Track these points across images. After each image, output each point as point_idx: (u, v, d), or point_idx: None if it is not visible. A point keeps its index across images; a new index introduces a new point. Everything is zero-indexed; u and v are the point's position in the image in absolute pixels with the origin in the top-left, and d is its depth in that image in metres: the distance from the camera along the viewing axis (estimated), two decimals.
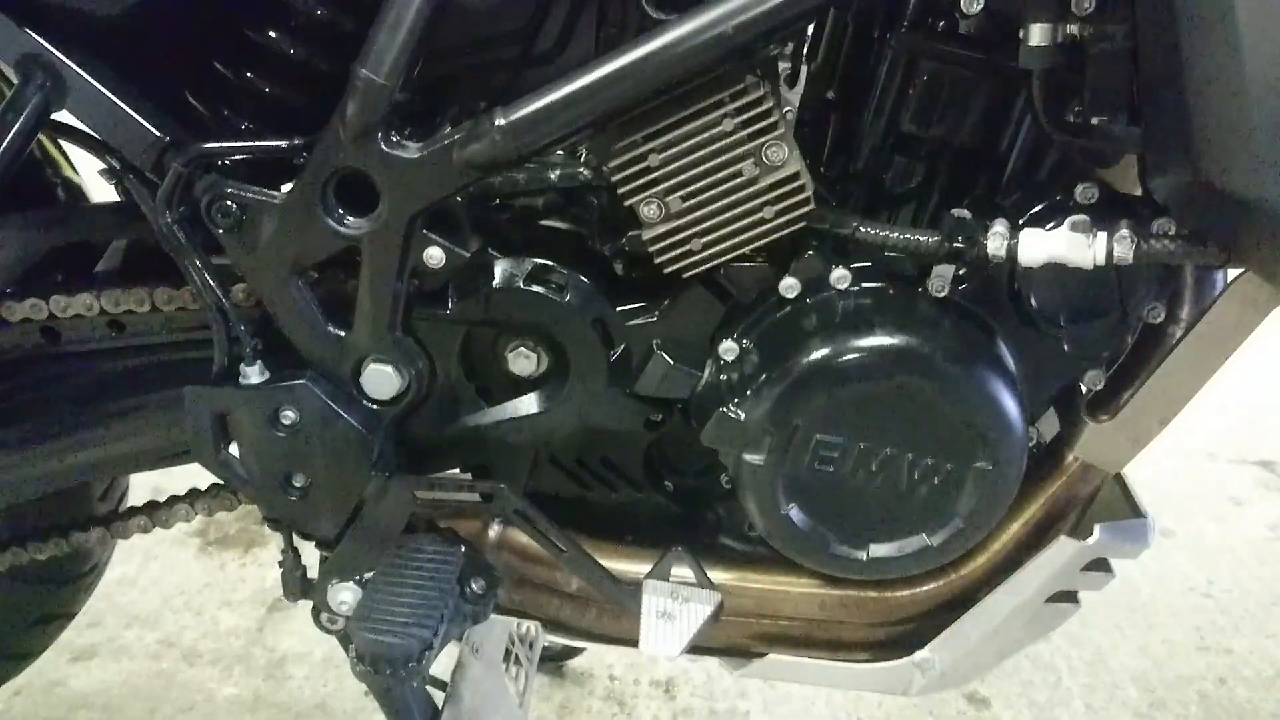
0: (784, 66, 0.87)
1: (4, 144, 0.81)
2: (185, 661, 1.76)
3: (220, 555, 2.01)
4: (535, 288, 0.87)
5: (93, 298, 0.94)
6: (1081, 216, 0.74)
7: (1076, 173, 0.79)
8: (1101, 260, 0.73)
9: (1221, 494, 2.28)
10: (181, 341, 0.94)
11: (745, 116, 0.77)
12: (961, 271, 0.81)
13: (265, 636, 1.80)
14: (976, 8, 0.71)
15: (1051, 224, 0.78)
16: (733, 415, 0.82)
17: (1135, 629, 1.84)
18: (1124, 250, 0.72)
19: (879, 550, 0.85)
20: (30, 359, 0.97)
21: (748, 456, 0.83)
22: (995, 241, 0.76)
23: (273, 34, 0.88)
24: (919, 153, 0.84)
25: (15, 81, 0.82)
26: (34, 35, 0.80)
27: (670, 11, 0.80)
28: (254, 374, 0.88)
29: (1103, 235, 0.73)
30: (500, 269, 0.88)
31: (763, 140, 0.78)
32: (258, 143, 0.83)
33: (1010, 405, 0.80)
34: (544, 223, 0.95)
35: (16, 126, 0.82)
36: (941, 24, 0.78)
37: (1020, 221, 0.79)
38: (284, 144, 0.84)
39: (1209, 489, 2.28)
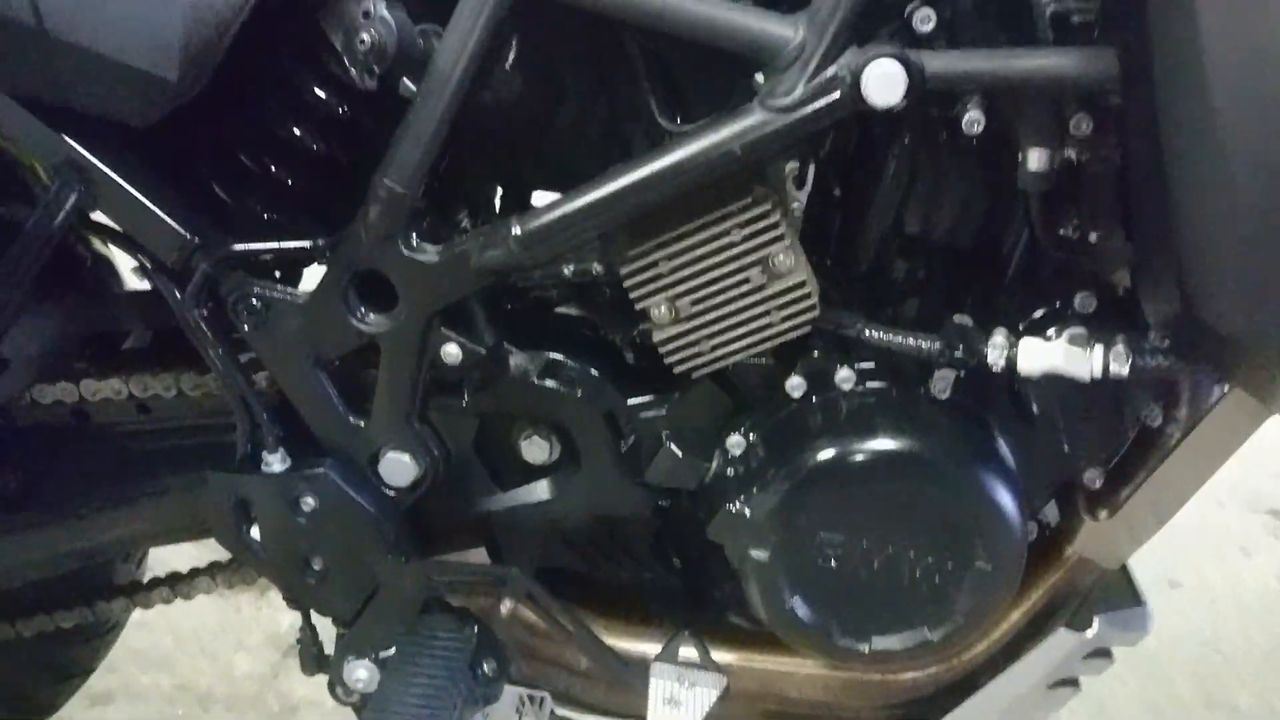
0: (792, 166, 0.90)
1: (38, 245, 0.85)
2: (200, 707, 1.78)
3: (235, 598, 2.03)
4: (548, 382, 0.90)
5: (121, 382, 0.97)
6: (1079, 330, 0.77)
7: (1076, 279, 0.82)
8: (1098, 374, 0.75)
9: (1230, 542, 2.28)
10: (206, 425, 0.98)
11: (752, 228, 0.80)
12: (962, 374, 0.84)
13: (279, 682, 1.82)
14: (976, 129, 0.74)
15: (1051, 330, 0.81)
16: (738, 512, 0.85)
17: (1140, 682, 1.84)
18: (1119, 366, 0.74)
19: (881, 643, 0.87)
20: (61, 438, 1.01)
21: (753, 552, 0.85)
22: (995, 352, 0.78)
23: (295, 129, 0.92)
24: (921, 253, 0.87)
25: (50, 182, 0.86)
26: (69, 141, 0.84)
27: (677, 120, 0.84)
28: (276, 462, 0.92)
29: (1099, 349, 0.75)
30: (514, 363, 0.91)
31: (769, 250, 0.80)
32: (281, 244, 0.87)
33: (1009, 507, 0.82)
34: (557, 310, 0.99)
35: (51, 228, 0.86)
36: (944, 135, 0.81)
37: (1020, 329, 0.81)
38: (307, 245, 0.87)
39: (1217, 537, 2.28)
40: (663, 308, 0.83)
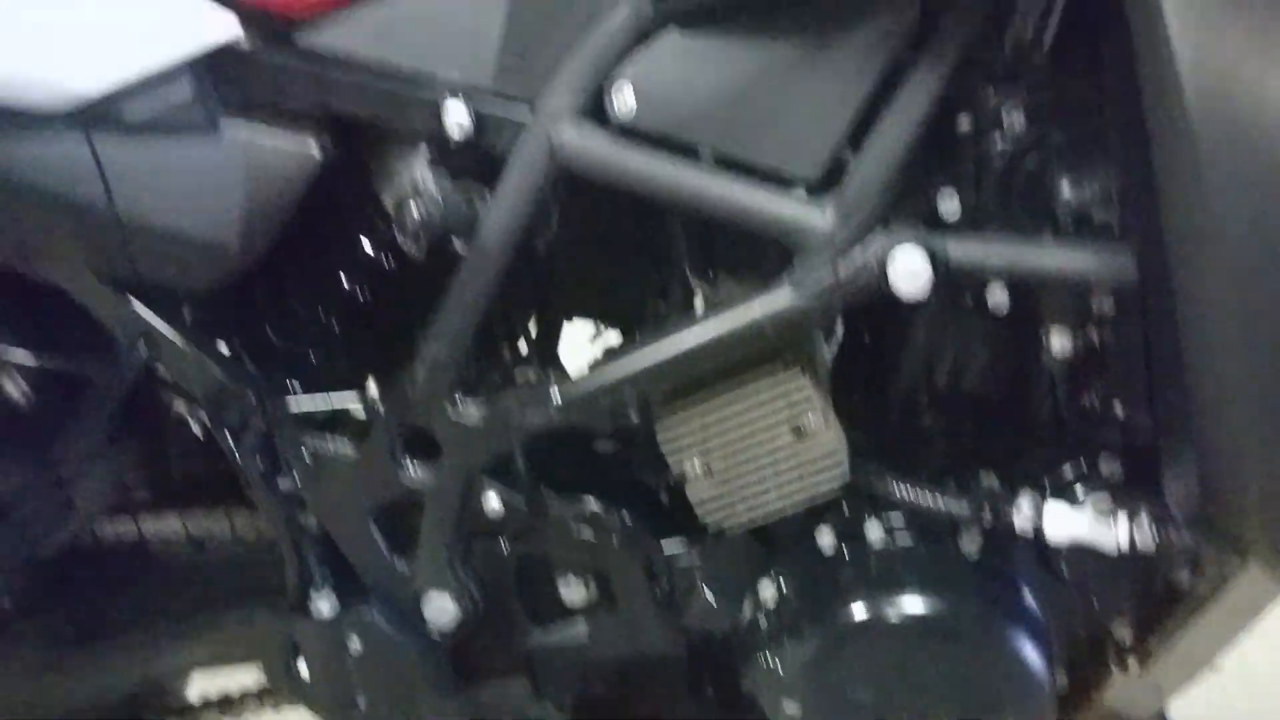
0: None
1: (108, 400, 0.90)
2: None
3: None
4: (585, 532, 0.93)
5: (178, 518, 1.02)
6: (1104, 498, 0.78)
7: (1101, 441, 0.83)
8: (1124, 546, 0.77)
9: (1276, 624, 2.25)
10: (257, 561, 1.02)
11: (783, 394, 0.82)
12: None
13: None
14: (1002, 310, 0.76)
15: (1079, 489, 0.82)
16: (770, 665, 0.87)
17: None
18: (1145, 540, 0.76)
19: None
20: (117, 570, 1.05)
21: (785, 705, 0.87)
22: (1021, 519, 0.80)
23: (345, 282, 0.96)
24: (948, 406, 0.88)
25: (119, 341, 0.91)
26: (136, 305, 0.89)
27: (714, 284, 0.87)
28: (324, 603, 0.95)
29: (1125, 522, 0.77)
30: (553, 510, 0.94)
31: (800, 414, 0.83)
32: (334, 402, 0.91)
33: (1038, 665, 0.83)
34: (593, 447, 1.02)
35: (119, 384, 0.91)
36: (971, 302, 0.83)
37: (1045, 488, 0.83)
38: (357, 401, 0.91)
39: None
40: (696, 465, 0.86)
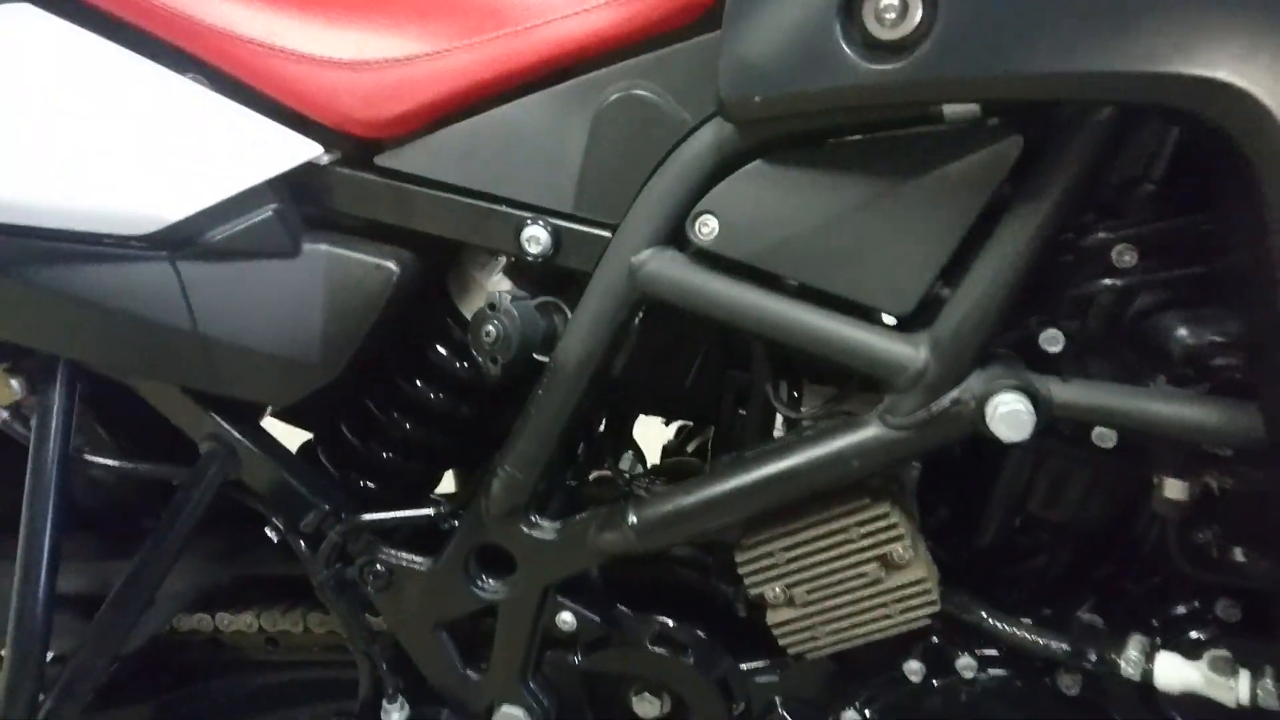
0: None
1: (189, 507, 0.91)
2: None
3: None
4: (659, 649, 0.91)
5: (253, 616, 1.03)
6: (1223, 654, 0.73)
7: (1218, 585, 0.78)
8: (1245, 702, 0.71)
9: None
10: (330, 661, 1.02)
11: (870, 527, 0.79)
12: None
13: None
14: (1109, 444, 0.72)
15: (1193, 634, 0.77)
16: None
17: None
18: (1270, 699, 0.70)
19: None
20: (194, 663, 1.06)
21: None
22: (1130, 666, 0.75)
23: (419, 384, 0.96)
24: (1045, 536, 0.84)
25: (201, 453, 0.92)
26: (217, 419, 0.90)
27: (798, 406, 0.84)
28: (395, 714, 0.95)
29: (1246, 677, 0.72)
30: (627, 627, 0.92)
31: (888, 547, 0.79)
32: (407, 514, 0.90)
33: None
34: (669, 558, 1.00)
35: (200, 493, 0.91)
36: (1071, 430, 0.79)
37: (1155, 629, 0.78)
38: (431, 513, 0.90)
39: None
40: (777, 592, 0.83)
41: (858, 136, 0.71)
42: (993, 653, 0.83)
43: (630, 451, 1.16)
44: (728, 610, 0.95)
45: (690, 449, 1.22)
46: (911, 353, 0.72)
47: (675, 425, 1.25)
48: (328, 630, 1.01)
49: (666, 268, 0.76)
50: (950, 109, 0.67)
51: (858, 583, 0.80)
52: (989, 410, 0.69)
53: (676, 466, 1.14)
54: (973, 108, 0.66)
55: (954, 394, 0.71)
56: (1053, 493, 0.83)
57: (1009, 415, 0.67)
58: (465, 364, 0.93)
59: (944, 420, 0.71)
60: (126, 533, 1.04)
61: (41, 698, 0.93)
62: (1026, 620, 0.80)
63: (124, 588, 0.93)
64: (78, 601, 1.00)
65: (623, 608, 0.92)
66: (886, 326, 0.74)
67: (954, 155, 0.68)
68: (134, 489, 1.04)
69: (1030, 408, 0.67)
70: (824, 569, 0.81)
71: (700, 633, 0.92)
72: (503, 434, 0.91)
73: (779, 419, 0.90)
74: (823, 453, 0.75)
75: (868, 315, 0.74)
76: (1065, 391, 0.69)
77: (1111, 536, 0.82)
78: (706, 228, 0.75)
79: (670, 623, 0.92)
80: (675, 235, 0.76)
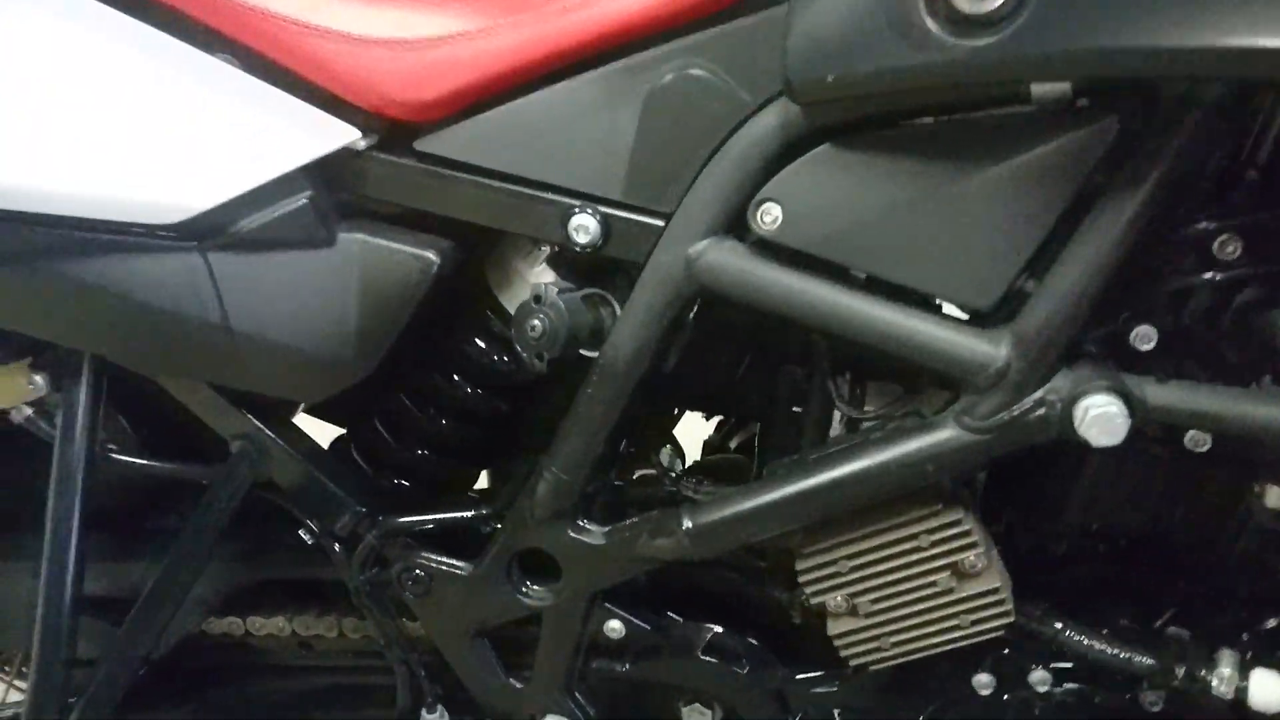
0: None
1: (219, 507, 0.88)
2: None
3: None
4: (711, 659, 0.87)
5: (286, 620, 0.99)
6: None
7: None
8: None
9: None
10: (366, 667, 0.98)
11: (942, 534, 0.74)
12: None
13: None
14: (1202, 448, 0.67)
15: None
16: None
17: None
18: None
19: None
20: (226, 668, 1.03)
21: None
22: (1222, 683, 0.70)
23: (456, 379, 0.92)
24: (1124, 544, 0.80)
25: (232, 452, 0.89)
26: (249, 416, 0.86)
27: (857, 403, 0.80)
28: None
29: None
30: (677, 634, 0.88)
31: (961, 554, 0.75)
32: (447, 517, 0.86)
33: None
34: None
35: (230, 493, 0.88)
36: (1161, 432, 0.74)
37: (1245, 643, 0.73)
38: (471, 515, 0.87)
39: None
40: (840, 601, 0.79)
41: (934, 119, 0.66)
42: (1068, 666, 0.79)
43: (669, 447, 1.12)
44: (781, 617, 0.92)
45: (733, 445, 1.18)
46: (992, 350, 0.67)
47: (714, 420, 1.21)
48: (363, 635, 0.96)
49: (726, 259, 0.71)
50: (1039, 89, 0.62)
51: (927, 592, 0.76)
52: (1078, 413, 0.64)
53: (722, 464, 1.10)
54: (1064, 87, 0.61)
55: (1038, 394, 0.66)
56: (1132, 497, 0.78)
57: (1101, 418, 0.63)
58: (504, 358, 0.89)
59: (1027, 423, 0.66)
60: (143, 531, 1.01)
61: (71, 701, 0.91)
62: (1106, 632, 0.76)
63: (153, 590, 0.90)
64: (97, 603, 0.97)
65: (673, 615, 0.88)
66: (963, 322, 0.69)
67: (1043, 139, 0.62)
68: (152, 487, 1.01)
69: (1125, 410, 0.62)
70: (891, 578, 0.76)
71: (753, 641, 0.88)
72: (540, 430, 0.87)
73: (836, 417, 0.86)
74: (894, 456, 0.70)
75: (941, 309, 0.70)
76: (1161, 393, 0.64)
77: (1201, 553, 0.78)
78: (769, 216, 0.70)
79: (722, 630, 0.88)
80: (734, 225, 0.71)
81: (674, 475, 0.96)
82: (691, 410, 1.06)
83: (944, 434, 0.69)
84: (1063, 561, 0.81)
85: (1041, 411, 0.66)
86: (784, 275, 0.71)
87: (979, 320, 0.68)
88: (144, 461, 0.91)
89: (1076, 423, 0.64)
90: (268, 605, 0.99)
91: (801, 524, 0.75)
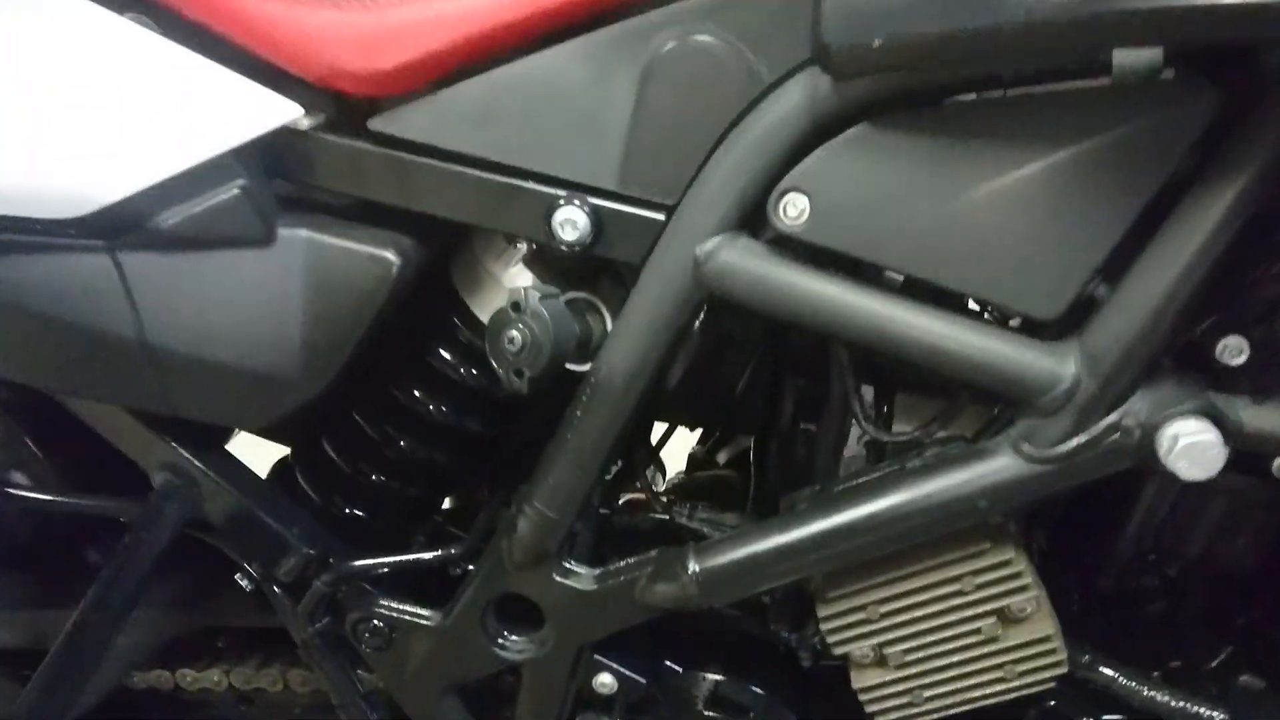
0: None
1: (141, 554, 0.75)
2: None
3: None
4: (714, 713, 0.76)
5: (222, 673, 0.86)
6: None
7: None
8: None
9: None
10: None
11: (988, 576, 0.65)
12: None
13: None
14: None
15: None
16: None
17: None
18: None
19: None
20: None
21: None
22: None
23: (418, 394, 0.80)
24: (1193, 584, 0.71)
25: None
26: (171, 443, 0.74)
27: (882, 424, 0.70)
28: None
29: None
30: (675, 685, 0.77)
31: (1010, 598, 0.66)
32: (410, 559, 0.74)
33: None
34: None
35: (155, 536, 0.75)
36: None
37: None
38: (438, 556, 0.75)
39: None
40: (867, 650, 0.69)
41: (989, 94, 0.57)
42: (1119, 717, 0.70)
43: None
44: (789, 659, 0.82)
45: (722, 460, 1.08)
46: (1057, 367, 0.57)
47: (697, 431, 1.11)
48: (312, 689, 0.85)
49: (741, 260, 0.61)
50: (1122, 56, 0.52)
51: (969, 641, 0.66)
52: (1163, 441, 0.54)
53: (713, 484, 1.00)
54: (1154, 55, 0.52)
55: (1112, 419, 0.56)
56: (1202, 538, 0.69)
57: (1193, 448, 0.53)
58: (474, 371, 0.78)
59: (1099, 451, 0.56)
60: (69, 572, 0.88)
61: None
62: (1168, 682, 0.67)
63: (65, 646, 0.77)
64: (9, 658, 0.84)
65: (670, 663, 0.78)
66: (1023, 333, 0.60)
67: (1125, 117, 0.53)
68: (74, 524, 0.88)
69: (1219, 438, 0.53)
70: (928, 625, 0.66)
71: (759, 689, 0.79)
72: (517, 453, 0.77)
73: (853, 435, 0.76)
74: (940, 490, 0.60)
75: (1000, 322, 0.60)
76: (1260, 416, 0.55)
77: (1273, 594, 0.70)
78: (794, 209, 0.59)
79: (724, 679, 0.78)
80: (750, 219, 0.61)
81: (664, 501, 0.87)
82: (682, 425, 0.96)
83: (999, 463, 0.59)
84: (1110, 597, 0.73)
85: (1116, 438, 0.56)
86: (810, 278, 0.60)
87: (1042, 332, 0.58)
88: (45, 496, 0.78)
89: (1162, 453, 0.54)
90: (202, 655, 0.87)
91: (829, 569, 0.65)
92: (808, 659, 0.80)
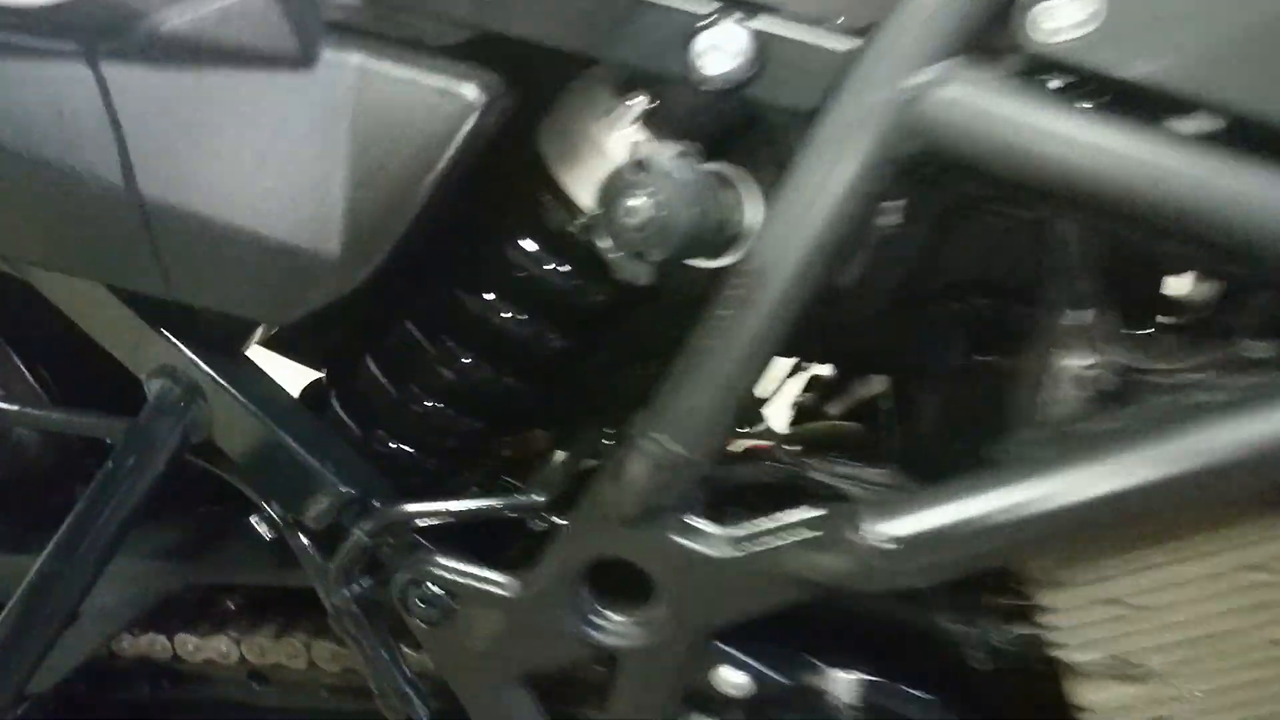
0: None
1: (128, 482, 0.58)
2: None
3: None
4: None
5: (231, 642, 0.70)
6: None
7: None
8: None
9: None
10: (347, 712, 0.70)
11: None
12: None
13: None
14: None
15: None
16: None
17: None
18: None
19: None
20: (145, 706, 0.74)
21: None
22: None
23: (490, 297, 0.62)
24: None
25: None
26: (173, 341, 0.56)
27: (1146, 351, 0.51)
28: None
29: None
30: (816, 684, 0.60)
31: None
32: (477, 504, 0.57)
33: None
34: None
35: (143, 462, 0.58)
36: None
37: None
38: (515, 503, 0.57)
39: None
40: (1112, 660, 0.52)
41: None
42: None
43: None
44: (953, 657, 0.65)
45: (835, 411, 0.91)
46: None
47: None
48: (343, 668, 0.68)
49: (972, 97, 0.43)
50: None
51: (1265, 653, 0.49)
52: None
53: (843, 435, 0.82)
54: None
55: None
56: None
57: None
58: (563, 266, 0.60)
59: None
60: (51, 513, 0.72)
61: None
62: None
63: (26, 595, 0.60)
64: None
65: (809, 657, 0.61)
66: None
67: None
68: (61, 451, 0.72)
69: None
70: (1210, 628, 0.48)
71: (923, 695, 0.61)
72: (614, 381, 0.62)
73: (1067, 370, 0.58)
74: (1271, 432, 0.42)
75: None
76: None
77: None
78: (1051, 22, 0.42)
79: (878, 680, 0.61)
80: (982, 39, 0.44)
81: (791, 451, 0.69)
82: (811, 360, 0.78)
83: None
84: None
85: None
86: (1085, 125, 0.42)
87: None
88: (18, 408, 0.61)
89: None
90: (206, 618, 0.71)
91: (1077, 544, 0.47)
92: (983, 659, 0.63)
